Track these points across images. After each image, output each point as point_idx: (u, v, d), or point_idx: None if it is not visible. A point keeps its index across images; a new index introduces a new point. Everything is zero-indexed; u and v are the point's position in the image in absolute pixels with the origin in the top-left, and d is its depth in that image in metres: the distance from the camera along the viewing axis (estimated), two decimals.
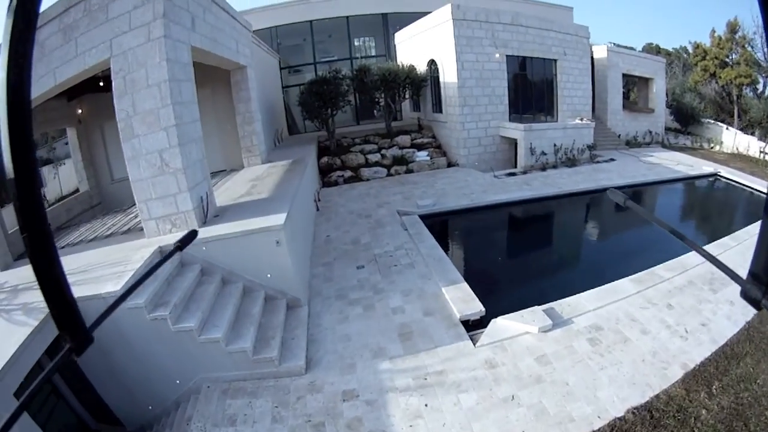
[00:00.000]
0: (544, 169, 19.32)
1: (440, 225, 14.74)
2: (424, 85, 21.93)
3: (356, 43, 25.56)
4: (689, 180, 19.33)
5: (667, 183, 18.77)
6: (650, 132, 25.90)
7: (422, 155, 20.29)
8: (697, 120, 27.41)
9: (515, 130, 19.49)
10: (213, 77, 14.28)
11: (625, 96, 29.01)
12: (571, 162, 19.98)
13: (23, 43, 0.90)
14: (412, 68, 21.23)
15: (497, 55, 19.99)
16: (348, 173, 19.72)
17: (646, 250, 11.89)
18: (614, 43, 27.54)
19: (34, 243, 1.00)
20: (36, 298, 6.38)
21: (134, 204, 8.91)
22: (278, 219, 8.14)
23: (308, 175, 14.52)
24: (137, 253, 7.44)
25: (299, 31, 24.85)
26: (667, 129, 28.09)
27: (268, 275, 8.20)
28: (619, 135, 24.83)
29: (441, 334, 7.63)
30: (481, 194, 16.28)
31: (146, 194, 8.22)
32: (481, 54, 19.75)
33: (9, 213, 9.66)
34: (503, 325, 7.64)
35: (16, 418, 1.10)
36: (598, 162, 20.75)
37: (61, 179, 22.59)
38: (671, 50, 41.49)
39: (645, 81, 26.69)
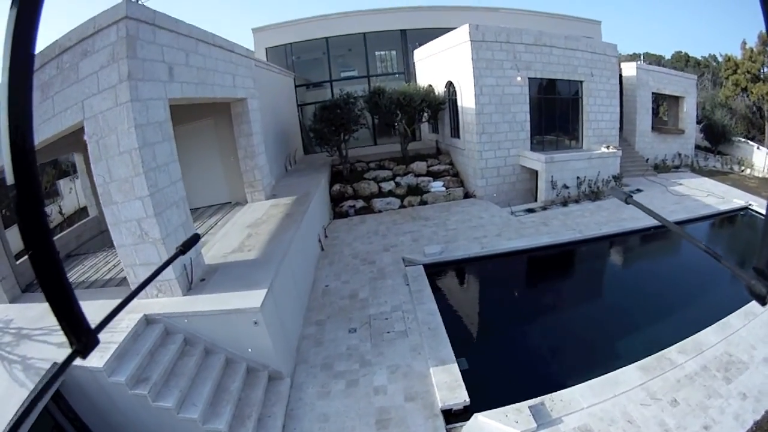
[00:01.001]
0: (565, 203, 16.87)
1: (446, 277, 12.83)
2: (441, 108, 19.55)
3: (373, 62, 23.08)
4: (719, 216, 16.75)
5: (697, 221, 16.20)
6: (680, 154, 23.00)
7: (437, 186, 18.01)
8: (728, 139, 24.31)
9: (536, 161, 17.03)
10: (215, 107, 12.83)
11: (655, 113, 26.03)
12: (594, 195, 17.46)
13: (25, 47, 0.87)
14: (429, 90, 18.90)
15: (519, 78, 17.48)
16: (360, 203, 17.63)
17: (667, 315, 10.11)
18: (644, 58, 24.51)
19: (36, 248, 0.98)
20: (36, 350, 6.55)
21: None
22: (257, 299, 7.24)
23: (310, 216, 12.82)
24: (123, 320, 6.93)
25: (317, 46, 22.59)
26: (697, 147, 25.07)
27: (249, 350, 7.46)
28: (647, 159, 22.03)
29: (418, 425, 6.75)
30: (494, 238, 14.18)
31: (131, 260, 7.57)
32: (501, 77, 17.27)
33: (15, 236, 9.71)
34: (484, 422, 6.61)
35: (28, 413, 1.65)
36: None
37: (78, 193, 21.12)
38: (700, 59, 37.70)
39: (675, 99, 23.69)
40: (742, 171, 22.31)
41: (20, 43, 0.86)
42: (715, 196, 18.53)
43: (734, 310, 9.23)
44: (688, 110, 23.21)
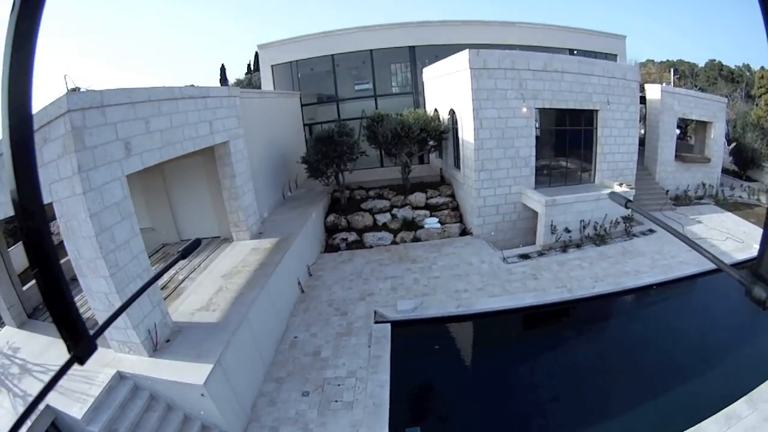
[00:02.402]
0: (565, 248, 14.22)
1: (415, 339, 10.84)
2: (444, 137, 16.89)
3: (381, 80, 20.32)
4: (735, 267, 13.58)
5: (708, 275, 13.23)
6: (704, 184, 19.45)
7: (432, 222, 15.62)
8: (758, 164, 20.44)
9: (537, 202, 14.33)
10: None
11: (683, 133, 22.26)
12: (600, 239, 14.69)
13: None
14: (431, 118, 16.22)
15: (524, 110, 14.65)
16: (353, 236, 15.58)
17: (657, 402, 8.12)
18: (676, 67, 20.67)
19: (37, 255, 0.94)
20: (35, 387, 6.94)
21: None
22: (202, 375, 6.98)
23: (286, 264, 11.50)
24: (100, 374, 7.13)
25: (328, 61, 20.05)
26: (725, 171, 21.28)
27: (201, 412, 7.24)
28: (668, 191, 18.64)
29: None
30: (475, 293, 12.13)
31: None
32: (504, 109, 14.50)
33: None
34: None
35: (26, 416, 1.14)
36: (633, 237, 15.23)
37: None
38: (734, 68, 32.62)
39: (703, 124, 19.88)
40: None
41: (20, 48, 0.82)
42: (734, 239, 15.47)
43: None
44: (716, 136, 19.45)
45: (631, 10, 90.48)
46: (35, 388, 7.04)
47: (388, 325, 10.63)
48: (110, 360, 7.51)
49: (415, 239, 15.30)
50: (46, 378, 6.63)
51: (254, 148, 14.25)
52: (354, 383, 8.79)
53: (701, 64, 33.67)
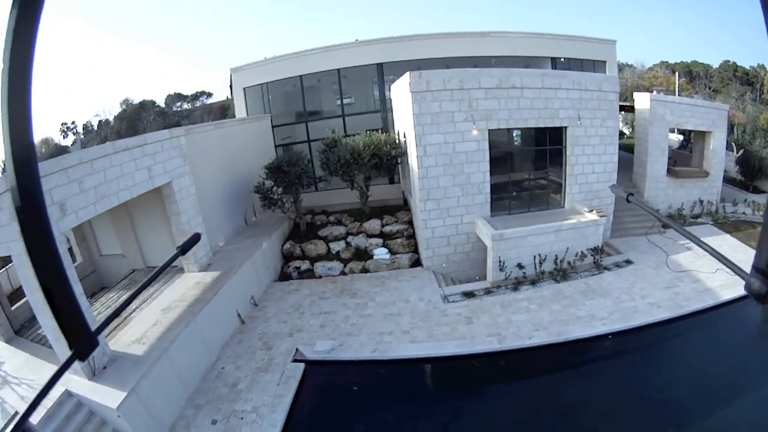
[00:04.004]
0: (517, 286, 11.66)
1: (324, 382, 9.46)
2: (398, 162, 14.45)
3: (347, 99, 17.84)
4: (718, 310, 10.62)
5: (679, 321, 10.26)
6: (701, 201, 15.66)
7: (381, 253, 13.38)
8: (766, 174, 16.25)
9: (485, 236, 11.71)
10: None
11: (686, 144, 18.27)
12: (561, 274, 11.88)
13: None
14: (382, 143, 13.77)
15: (474, 132, 11.97)
16: (305, 265, 13.82)
17: None
18: (661, 91, 16.72)
19: (38, 252, 0.86)
20: (11, 397, 7.74)
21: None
22: (117, 400, 7.27)
23: (220, 299, 10.81)
24: (55, 389, 6.22)
25: (294, 85, 17.87)
26: (731, 181, 17.17)
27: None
28: (657, 210, 15.09)
29: None
30: (399, 335, 10.38)
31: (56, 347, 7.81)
32: (451, 133, 11.94)
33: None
34: None
35: (26, 418, 1.05)
36: (603, 270, 12.26)
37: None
38: (749, 68, 26.94)
39: (701, 134, 15.87)
40: None
41: (20, 44, 0.74)
42: (725, 271, 11.83)
43: None
44: (716, 148, 15.46)
45: (644, 11, 79.83)
46: (11, 398, 7.80)
47: (302, 365, 9.56)
48: (63, 379, 7.64)
49: (364, 270, 13.20)
50: (20, 389, 7.68)
51: (209, 180, 13.27)
52: (254, 418, 8.23)
53: (715, 65, 28.19)
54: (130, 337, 9.20)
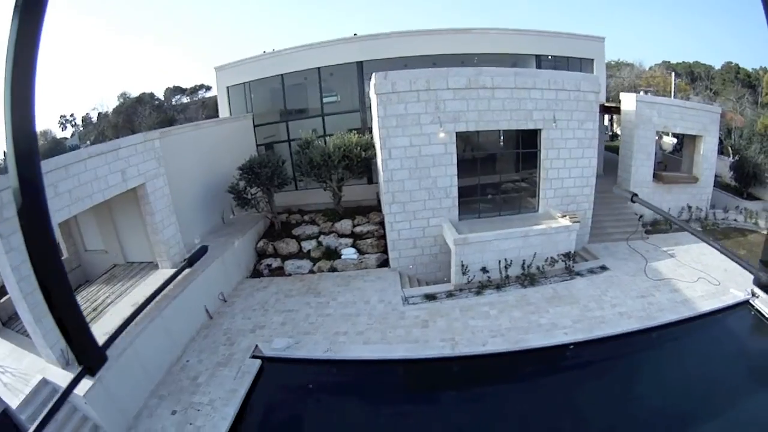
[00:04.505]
0: (481, 290, 11.40)
1: (281, 378, 9.61)
2: (369, 164, 14.28)
3: (333, 98, 17.46)
4: (694, 322, 10.15)
5: (651, 332, 9.88)
6: (689, 207, 14.97)
7: (349, 253, 13.28)
8: (761, 181, 15.40)
9: (450, 239, 11.46)
10: None
11: (679, 148, 17.45)
12: (530, 279, 11.55)
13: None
14: (353, 145, 13.57)
15: (441, 135, 11.70)
16: (277, 263, 13.86)
17: None
18: (646, 91, 15.98)
19: (45, 270, 0.85)
20: None
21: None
22: (85, 387, 7.65)
23: (188, 295, 11.12)
24: (33, 378, 8.04)
25: (296, 77, 17.79)
26: (725, 186, 16.32)
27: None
28: (641, 216, 14.54)
29: None
30: (354, 336, 10.38)
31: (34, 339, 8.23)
32: (417, 136, 11.70)
33: None
34: None
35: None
36: (575, 276, 11.88)
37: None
38: (751, 71, 25.63)
39: (692, 137, 15.09)
40: None
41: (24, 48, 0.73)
42: (709, 279, 11.70)
43: None
44: (706, 153, 14.70)
45: (647, 11, 76.43)
46: None
47: (258, 362, 9.63)
48: (42, 368, 8.48)
49: (332, 269, 13.13)
50: (3, 377, 8.11)
51: (186, 180, 13.52)
52: (209, 411, 8.46)
53: (717, 67, 26.93)
54: (102, 329, 9.42)
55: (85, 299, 11.99)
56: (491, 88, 11.75)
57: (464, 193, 12.55)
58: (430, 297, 11.35)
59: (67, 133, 36.06)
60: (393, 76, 11.37)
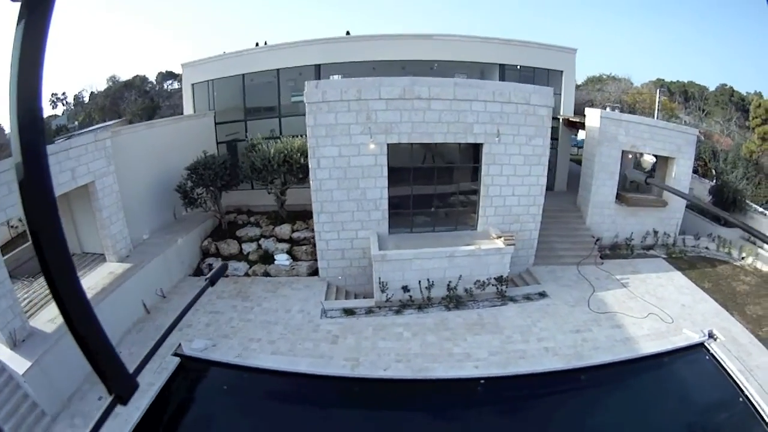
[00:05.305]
0: (401, 309, 11.00)
1: (191, 378, 9.80)
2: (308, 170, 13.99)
3: (285, 100, 16.88)
4: (632, 365, 9.39)
5: (582, 373, 9.23)
6: (655, 232, 13.87)
7: (281, 259, 13.08)
8: (740, 207, 14.11)
9: (372, 254, 11.05)
10: None
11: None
12: (455, 302, 11.01)
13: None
14: (294, 150, 13.25)
15: (371, 146, 11.27)
16: (218, 263, 13.74)
17: None
18: (613, 107, 14.84)
19: (67, 297, 0.82)
20: None
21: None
22: (24, 367, 8.40)
23: (125, 289, 11.44)
24: None
25: (265, 75, 17.61)
26: (703, 213, 15.04)
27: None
28: (598, 239, 13.58)
29: None
30: (265, 345, 10.25)
31: None
32: (347, 146, 11.32)
33: None
34: None
35: None
36: (507, 302, 11.29)
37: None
38: (745, 94, 23.89)
39: (664, 159, 13.88)
40: (743, 259, 12.77)
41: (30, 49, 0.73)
42: (662, 315, 10.88)
43: None
44: (679, 176, 13.53)
45: (646, 27, 71.49)
46: None
47: (177, 360, 9.76)
48: None
49: (266, 274, 13.01)
50: None
51: (139, 176, 13.78)
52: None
53: (711, 88, 25.43)
54: (48, 316, 10.08)
55: (41, 284, 12.45)
56: (427, 99, 11.19)
57: (399, 205, 12.09)
58: (349, 312, 11.02)
59: (58, 110, 36.85)
60: (323, 86, 11.03)
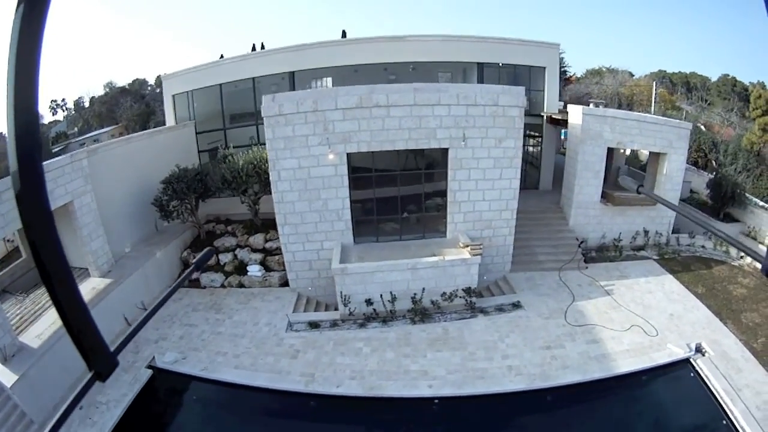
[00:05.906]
0: (365, 323, 10.84)
1: (163, 389, 10.07)
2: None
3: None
4: (606, 384, 8.85)
5: (548, 393, 8.84)
6: (646, 231, 12.96)
7: (254, 270, 13.06)
8: (739, 201, 12.98)
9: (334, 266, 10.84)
10: None
11: None
12: (421, 315, 10.70)
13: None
14: (263, 161, 13.13)
15: (331, 156, 10.99)
16: (195, 274, 13.89)
17: None
18: (597, 103, 13.81)
19: (52, 275, 0.83)
20: None
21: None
22: (12, 380, 8.73)
23: (106, 304, 11.67)
24: None
25: (244, 84, 17.52)
26: (701, 205, 13.91)
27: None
28: (582, 241, 12.83)
29: None
30: (230, 359, 10.26)
31: None
32: (306, 158, 11.11)
33: None
34: None
35: None
36: (476, 314, 10.87)
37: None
38: (748, 84, 22.00)
39: (656, 155, 12.82)
40: (741, 258, 11.78)
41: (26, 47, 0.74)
42: (644, 329, 10.20)
43: None
44: (671, 172, 12.51)
45: (645, 21, 67.11)
46: None
47: (150, 372, 10.05)
48: None
49: (240, 285, 13.06)
50: None
51: (118, 191, 14.03)
52: (104, 410, 9.07)
53: (713, 79, 23.66)
54: (36, 331, 10.47)
55: (31, 301, 13.02)
56: (386, 106, 10.78)
57: (362, 215, 11.80)
58: (314, 325, 10.90)
59: (59, 117, 37.84)
60: (280, 99, 10.79)
